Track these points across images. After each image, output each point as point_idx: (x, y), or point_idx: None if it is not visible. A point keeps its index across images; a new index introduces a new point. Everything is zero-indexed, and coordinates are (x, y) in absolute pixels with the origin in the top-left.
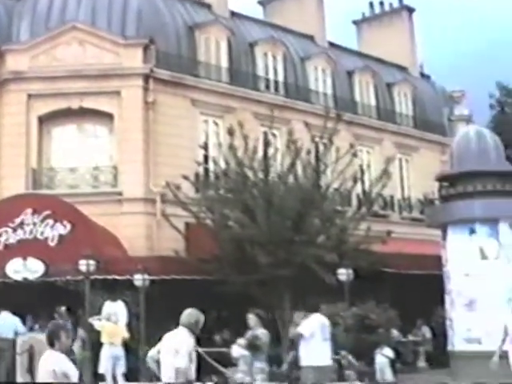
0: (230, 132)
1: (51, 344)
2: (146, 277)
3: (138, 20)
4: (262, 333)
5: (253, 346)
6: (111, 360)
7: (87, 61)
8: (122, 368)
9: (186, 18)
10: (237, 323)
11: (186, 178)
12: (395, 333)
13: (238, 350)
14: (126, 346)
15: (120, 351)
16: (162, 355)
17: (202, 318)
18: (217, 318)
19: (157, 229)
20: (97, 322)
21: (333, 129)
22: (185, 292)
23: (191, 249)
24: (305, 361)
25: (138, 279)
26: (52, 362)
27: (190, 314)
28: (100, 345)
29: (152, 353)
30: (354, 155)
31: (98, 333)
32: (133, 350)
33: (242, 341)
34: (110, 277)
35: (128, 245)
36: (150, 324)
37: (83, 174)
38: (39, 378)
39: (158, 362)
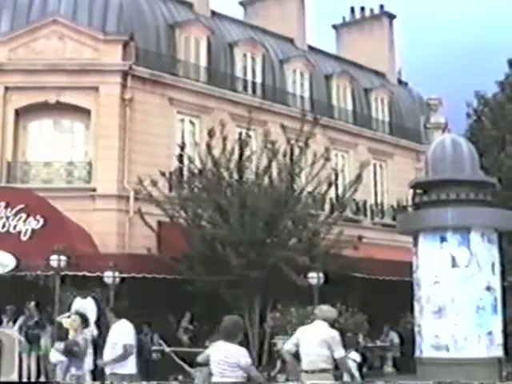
0: (211, 133)
1: None
2: (117, 274)
3: (118, 16)
4: (82, 338)
5: (70, 352)
6: None
7: (66, 55)
8: (89, 365)
9: (167, 16)
10: (206, 323)
11: (162, 174)
12: (363, 337)
13: (55, 355)
14: (94, 342)
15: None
16: (306, 347)
17: (336, 313)
18: (190, 318)
19: (129, 226)
20: (65, 320)
21: (309, 132)
22: (155, 290)
23: (163, 247)
24: None
25: (109, 276)
26: None
27: (329, 308)
28: None
29: (288, 347)
30: (327, 159)
31: (67, 330)
32: (101, 346)
33: (59, 345)
34: (80, 273)
35: (100, 241)
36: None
37: (58, 168)
38: None
39: (293, 355)
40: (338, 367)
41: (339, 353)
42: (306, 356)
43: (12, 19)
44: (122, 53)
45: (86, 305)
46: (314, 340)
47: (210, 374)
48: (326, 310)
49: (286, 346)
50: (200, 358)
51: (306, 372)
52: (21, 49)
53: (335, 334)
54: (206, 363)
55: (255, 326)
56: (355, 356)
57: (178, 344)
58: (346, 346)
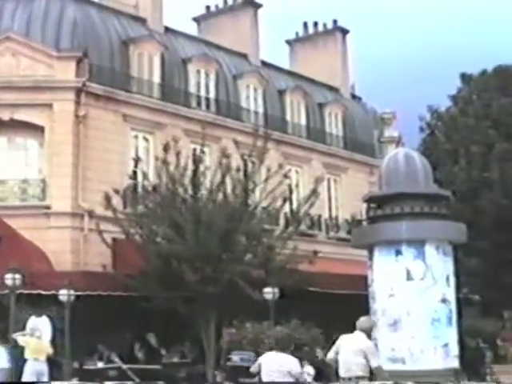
0: (166, 149)
1: None
2: (72, 292)
3: (72, 32)
4: None
5: None
6: (35, 375)
7: (20, 72)
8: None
9: (121, 32)
10: (161, 339)
11: (116, 191)
12: (319, 351)
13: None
14: (50, 361)
15: (44, 367)
16: (344, 355)
17: (373, 323)
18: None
19: (84, 244)
20: (21, 338)
21: (262, 148)
22: (110, 308)
23: (118, 264)
24: None
25: (64, 294)
26: None
27: (366, 320)
28: (24, 360)
29: (330, 355)
30: (286, 176)
31: (22, 348)
32: (56, 365)
33: None
34: (35, 291)
35: (54, 259)
36: (74, 339)
37: (12, 186)
38: None
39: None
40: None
41: (374, 362)
42: (345, 364)
43: None
44: (75, 69)
45: (41, 323)
46: (352, 349)
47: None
48: (362, 320)
49: (328, 354)
50: (253, 368)
51: (344, 379)
52: None
53: (371, 344)
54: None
55: (211, 341)
56: (309, 370)
57: (134, 361)
58: (301, 359)
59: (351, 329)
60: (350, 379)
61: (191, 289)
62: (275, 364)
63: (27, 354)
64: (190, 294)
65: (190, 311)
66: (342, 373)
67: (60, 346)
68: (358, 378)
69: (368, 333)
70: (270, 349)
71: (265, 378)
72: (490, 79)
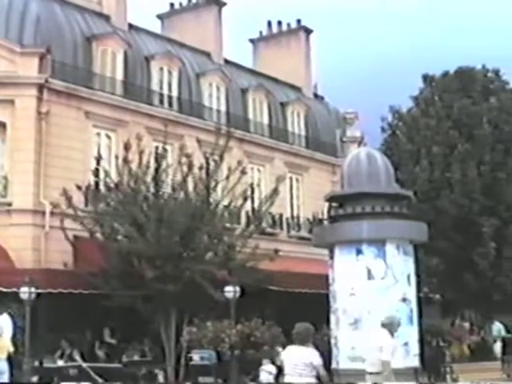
0: (127, 147)
1: None
2: (33, 290)
3: (35, 28)
4: None
5: None
6: None
7: None
8: (5, 382)
9: (84, 29)
10: (122, 337)
11: (78, 187)
12: (280, 350)
13: None
14: (10, 359)
15: (4, 365)
16: (369, 351)
17: (398, 321)
18: (110, 333)
19: (45, 241)
20: None
21: (224, 146)
22: (71, 305)
23: (80, 262)
24: None
25: (25, 292)
26: None
27: (390, 317)
28: None
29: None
30: (243, 172)
31: None
32: (17, 363)
33: None
34: None
35: (15, 257)
36: (35, 337)
37: None
38: None
39: None
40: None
41: (384, 356)
42: (369, 359)
43: None
44: (38, 65)
45: (1, 321)
46: (374, 345)
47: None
48: (384, 318)
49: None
50: (279, 363)
51: (371, 373)
52: None
53: (388, 340)
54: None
55: (171, 340)
56: (271, 368)
57: (94, 359)
58: (261, 358)
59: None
60: (376, 373)
61: (151, 287)
62: (298, 357)
63: None
64: (150, 292)
65: (151, 309)
66: (368, 368)
67: (21, 344)
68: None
69: (389, 329)
70: (291, 342)
71: (289, 371)
72: (452, 80)
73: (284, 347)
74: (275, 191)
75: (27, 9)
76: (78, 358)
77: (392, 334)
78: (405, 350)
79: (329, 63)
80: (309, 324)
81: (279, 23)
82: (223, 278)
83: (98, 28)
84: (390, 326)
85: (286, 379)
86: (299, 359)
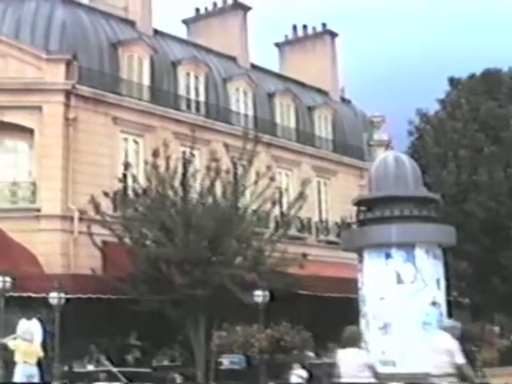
0: (155, 154)
1: None
2: (62, 295)
3: (61, 35)
4: None
5: None
6: (25, 379)
7: (9, 74)
8: None
9: (110, 35)
10: (151, 342)
11: (106, 194)
12: (310, 354)
13: None
14: (40, 364)
15: (34, 370)
16: (432, 354)
17: (459, 325)
18: (136, 337)
19: (74, 247)
20: (11, 342)
21: (252, 151)
22: (100, 310)
23: (108, 267)
24: None
25: (54, 297)
26: None
27: (452, 322)
28: (14, 364)
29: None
30: (272, 179)
31: (12, 352)
32: (47, 367)
33: None
34: (25, 294)
35: (44, 262)
36: (64, 342)
37: (1, 189)
38: None
39: None
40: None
41: (459, 359)
42: (433, 362)
43: None
44: (64, 72)
45: (31, 326)
46: (438, 348)
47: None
48: (446, 322)
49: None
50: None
51: (436, 376)
52: None
53: (455, 343)
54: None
55: (201, 344)
56: (302, 373)
57: (123, 364)
58: (290, 362)
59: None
60: (441, 376)
61: (180, 292)
62: (353, 358)
63: (17, 358)
64: (179, 297)
65: (180, 314)
66: (433, 371)
67: (50, 349)
68: (448, 375)
69: (451, 333)
70: (343, 346)
71: (344, 374)
72: (478, 83)
73: (314, 351)
74: (301, 195)
75: (53, 15)
76: (107, 362)
77: (454, 337)
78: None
79: (355, 66)
80: (357, 327)
81: (304, 27)
82: (252, 282)
83: (124, 34)
84: (453, 330)
85: (343, 381)
86: (355, 361)
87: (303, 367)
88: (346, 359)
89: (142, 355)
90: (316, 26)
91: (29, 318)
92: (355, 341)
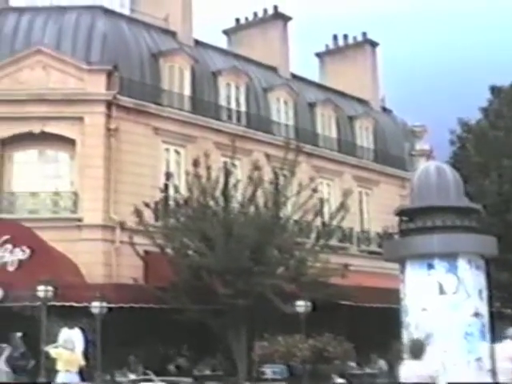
0: (196, 164)
1: None
2: (104, 304)
3: (102, 45)
4: None
5: None
6: None
7: (51, 85)
8: None
9: (151, 46)
10: (192, 352)
11: (147, 205)
12: (352, 364)
13: None
14: (82, 372)
15: (76, 378)
16: (500, 363)
17: None
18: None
19: (115, 256)
20: (53, 350)
21: (293, 161)
22: (141, 320)
23: (150, 277)
24: None
25: (96, 307)
26: None
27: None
28: (56, 372)
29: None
30: (314, 190)
31: (54, 360)
32: (89, 376)
33: None
34: (67, 303)
35: (86, 271)
36: (105, 351)
37: (44, 199)
38: None
39: None
40: None
41: None
42: (499, 369)
43: None
44: (106, 82)
45: (73, 335)
46: (501, 356)
47: None
48: (510, 331)
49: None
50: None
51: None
52: (5, 79)
53: None
54: None
55: (243, 354)
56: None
57: (165, 373)
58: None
59: (382, 342)
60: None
61: (222, 302)
62: (420, 370)
63: (59, 366)
64: (220, 306)
65: (221, 324)
66: (501, 378)
67: (92, 358)
68: None
69: None
70: (405, 358)
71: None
72: None
73: (356, 362)
74: (342, 206)
75: (94, 26)
76: (148, 371)
77: None
78: (477, 366)
79: (395, 75)
80: (422, 339)
81: (345, 37)
82: (292, 292)
83: (165, 44)
84: None
85: None
86: (417, 373)
87: (342, 376)
88: (413, 371)
89: (183, 365)
90: (356, 35)
91: (70, 327)
92: (422, 353)
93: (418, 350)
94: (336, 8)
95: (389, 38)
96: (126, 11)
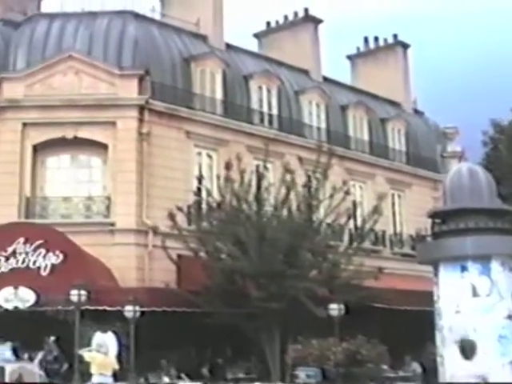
0: (228, 167)
1: None
2: (137, 308)
3: (134, 50)
4: None
5: None
6: None
7: (83, 90)
8: None
9: (182, 50)
10: (225, 355)
11: (180, 209)
12: (385, 367)
13: None
14: (115, 376)
15: (109, 381)
16: None
17: None
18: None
19: (148, 260)
20: (87, 354)
21: (326, 164)
22: (174, 324)
23: (183, 281)
24: None
25: (129, 310)
26: None
27: None
28: (90, 375)
29: None
30: (347, 193)
31: (88, 363)
32: (123, 379)
33: None
34: (100, 307)
35: (119, 276)
36: (139, 354)
37: (76, 203)
38: None
39: None
40: None
41: None
42: None
43: (28, 55)
44: (137, 87)
45: (106, 339)
46: None
47: None
48: None
49: None
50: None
51: None
52: (37, 85)
53: None
54: None
55: (276, 357)
56: None
57: (198, 377)
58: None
59: (416, 345)
60: None
61: (255, 305)
62: (468, 370)
63: (93, 370)
64: (253, 310)
65: (254, 327)
66: None
67: (125, 362)
68: None
69: None
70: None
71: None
72: None
73: (389, 365)
74: (376, 210)
75: (125, 31)
76: (182, 375)
77: None
78: (511, 369)
79: (426, 76)
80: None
81: (376, 39)
82: (325, 295)
83: (196, 48)
84: None
85: None
86: (473, 372)
87: (371, 380)
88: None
89: (216, 368)
90: (387, 37)
91: (104, 331)
92: (474, 354)
93: (469, 349)
94: (366, 9)
95: (419, 39)
96: (157, 16)
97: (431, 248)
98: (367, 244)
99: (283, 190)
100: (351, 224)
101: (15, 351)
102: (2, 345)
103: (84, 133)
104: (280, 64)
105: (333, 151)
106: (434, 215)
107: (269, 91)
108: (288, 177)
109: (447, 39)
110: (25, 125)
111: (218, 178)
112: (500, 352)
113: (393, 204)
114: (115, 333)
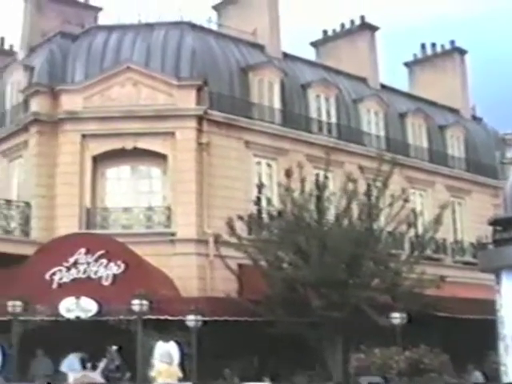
0: (288, 174)
1: None
2: (199, 317)
3: (191, 61)
4: None
5: None
6: None
7: (141, 101)
8: None
9: (240, 60)
10: (287, 365)
11: (240, 218)
12: (448, 377)
13: None
14: None
15: None
16: None
17: None
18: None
19: (210, 270)
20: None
21: (387, 172)
22: (236, 333)
23: (244, 290)
24: None
25: (191, 320)
26: None
27: None
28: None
29: None
30: (406, 201)
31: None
32: None
33: None
34: (162, 317)
35: (181, 285)
36: (201, 364)
37: (137, 214)
38: None
39: None
40: None
41: None
42: None
43: (86, 67)
44: (196, 97)
45: (168, 349)
46: None
47: None
48: None
49: None
50: None
51: None
52: (96, 96)
53: None
54: None
55: (338, 366)
56: None
57: None
58: None
59: (478, 354)
60: None
61: (317, 314)
62: None
63: (159, 379)
64: (315, 319)
65: (316, 336)
66: None
67: (188, 371)
68: None
69: None
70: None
71: None
72: None
73: (451, 374)
74: (438, 220)
75: (183, 42)
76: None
77: None
78: None
79: (485, 82)
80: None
81: (433, 45)
82: (386, 304)
83: (253, 58)
84: None
85: None
86: None
87: None
88: None
89: (278, 377)
90: (444, 43)
91: (165, 341)
92: None
93: None
94: (422, 15)
95: (476, 44)
96: (214, 26)
97: (493, 256)
98: (428, 252)
99: (344, 199)
100: (411, 232)
101: (83, 361)
102: (72, 355)
103: (143, 143)
104: (337, 72)
105: (396, 161)
106: (494, 222)
107: (327, 100)
108: (350, 185)
109: (505, 43)
110: (84, 136)
111: (279, 185)
112: None
113: (453, 211)
114: (177, 342)
